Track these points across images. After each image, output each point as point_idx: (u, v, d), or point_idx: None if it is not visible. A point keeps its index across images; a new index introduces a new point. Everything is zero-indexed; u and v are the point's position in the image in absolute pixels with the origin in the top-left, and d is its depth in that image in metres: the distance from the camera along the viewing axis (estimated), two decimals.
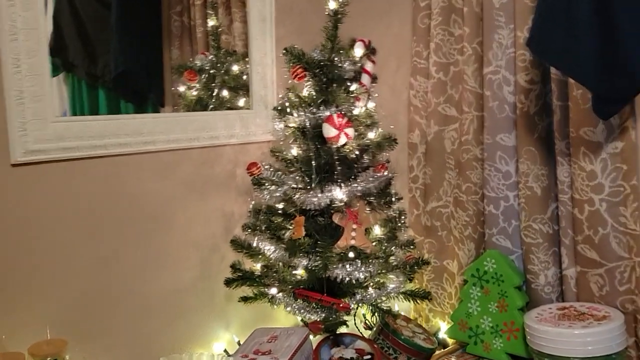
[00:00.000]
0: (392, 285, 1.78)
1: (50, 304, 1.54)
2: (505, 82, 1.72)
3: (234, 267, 1.82)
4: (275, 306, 1.78)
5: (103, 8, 1.80)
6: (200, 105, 2.03)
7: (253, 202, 1.81)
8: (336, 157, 1.67)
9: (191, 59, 2.05)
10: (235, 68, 2.09)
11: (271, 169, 1.75)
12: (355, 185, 1.69)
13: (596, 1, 1.20)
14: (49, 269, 1.54)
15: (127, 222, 1.69)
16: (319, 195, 1.66)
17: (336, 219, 1.71)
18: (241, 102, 2.09)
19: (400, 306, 2.02)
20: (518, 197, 1.76)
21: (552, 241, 1.72)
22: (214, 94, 2.07)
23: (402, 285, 1.80)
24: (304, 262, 1.69)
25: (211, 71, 2.06)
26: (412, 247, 1.89)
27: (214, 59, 2.06)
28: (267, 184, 1.72)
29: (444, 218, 1.96)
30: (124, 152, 1.63)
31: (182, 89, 2.02)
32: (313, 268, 1.67)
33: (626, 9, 1.19)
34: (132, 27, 1.88)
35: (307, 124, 1.70)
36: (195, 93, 2.05)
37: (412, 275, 1.83)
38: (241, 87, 2.09)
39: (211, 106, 2.03)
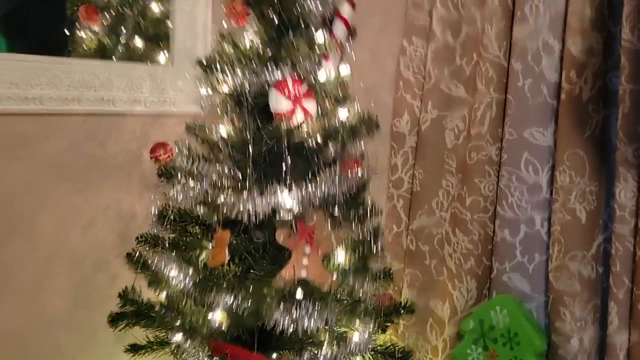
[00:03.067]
0: (356, 338, 1.21)
1: None
2: (546, 50, 1.18)
3: (124, 296, 1.22)
4: None
5: None
6: (101, 56, 1.44)
7: (157, 202, 1.21)
8: (287, 144, 1.08)
9: None
10: (155, 9, 1.48)
11: (188, 155, 1.16)
12: (314, 188, 1.11)
13: None
14: None
15: None
16: (257, 199, 1.09)
17: (280, 237, 1.13)
18: (162, 58, 1.49)
19: None
20: (550, 221, 1.22)
21: (594, 290, 1.20)
22: (123, 43, 1.47)
23: (372, 338, 1.24)
24: (227, 299, 1.11)
25: (119, 8, 1.45)
26: (388, 280, 1.33)
27: None
28: (179, 177, 1.13)
29: (436, 241, 1.42)
30: None
31: (84, 34, 1.43)
32: (240, 311, 1.09)
33: None
34: None
35: (247, 89, 1.11)
36: (96, 39, 1.45)
37: (386, 325, 1.27)
38: (164, 37, 1.50)
39: (115, 59, 1.42)
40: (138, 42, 1.48)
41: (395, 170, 1.47)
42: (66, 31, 1.40)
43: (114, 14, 1.46)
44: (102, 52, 1.43)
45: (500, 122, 1.27)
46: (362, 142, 1.26)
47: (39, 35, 1.42)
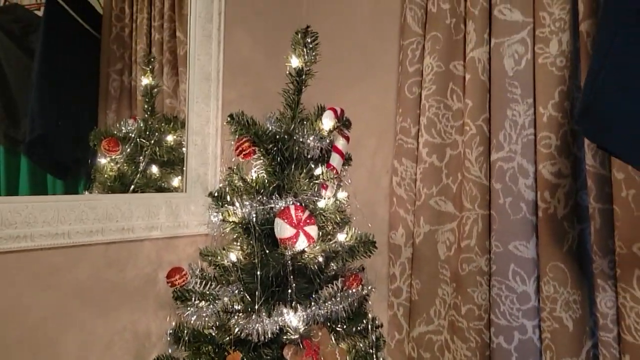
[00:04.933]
0: None
1: None
2: (521, 172, 1.29)
3: None
4: None
5: (28, 58, 1.45)
6: (121, 183, 1.57)
7: (172, 322, 1.29)
8: (292, 268, 1.18)
9: (117, 125, 1.61)
10: (170, 138, 1.64)
11: (201, 277, 1.26)
12: (317, 307, 1.20)
13: None
14: None
15: None
16: (265, 320, 1.18)
17: (288, 354, 1.20)
18: (176, 181, 1.63)
19: None
20: (540, 329, 1.28)
21: None
22: (140, 170, 1.61)
23: None
24: None
25: (137, 139, 1.60)
26: None
27: (142, 125, 1.60)
28: (193, 299, 1.22)
29: (436, 348, 1.47)
30: None
31: (104, 161, 1.57)
32: None
33: None
34: (58, 83, 1.54)
35: (254, 219, 1.22)
36: (116, 168, 1.59)
37: None
38: (177, 162, 1.64)
39: (133, 186, 1.56)
40: (154, 169, 1.62)
41: (394, 279, 1.56)
42: (87, 165, 1.54)
43: (132, 144, 1.61)
44: (121, 180, 1.57)
45: (487, 235, 1.37)
46: (362, 259, 1.36)
47: (63, 161, 1.56)
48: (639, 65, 0.80)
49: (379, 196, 1.63)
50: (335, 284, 1.27)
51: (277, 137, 1.25)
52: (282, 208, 1.22)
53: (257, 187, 1.26)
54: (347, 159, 1.38)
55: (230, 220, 1.24)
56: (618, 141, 0.83)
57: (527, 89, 1.28)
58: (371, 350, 1.28)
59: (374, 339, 1.33)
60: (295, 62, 1.27)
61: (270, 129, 1.27)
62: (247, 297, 1.21)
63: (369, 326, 1.30)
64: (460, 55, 1.42)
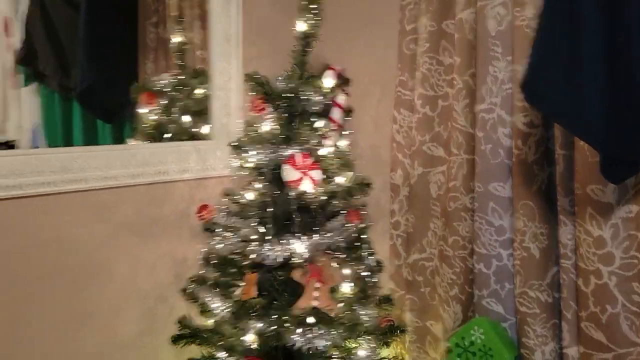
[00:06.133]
0: (362, 353, 1.52)
1: None
2: (500, 122, 1.46)
3: (182, 322, 1.57)
4: None
5: (75, 13, 1.61)
6: (159, 131, 1.80)
7: (204, 250, 1.56)
8: (296, 205, 1.42)
9: (154, 79, 1.82)
10: (199, 91, 1.86)
11: (226, 212, 1.52)
12: (319, 238, 1.44)
13: (608, 39, 0.93)
14: None
15: (51, 273, 1.45)
16: (276, 248, 1.42)
17: (296, 275, 1.46)
18: (206, 129, 1.86)
19: None
20: (513, 257, 1.49)
21: (552, 312, 1.46)
22: (174, 120, 1.84)
23: (375, 353, 1.54)
24: (258, 325, 1.44)
25: (171, 93, 1.83)
26: (390, 304, 1.64)
27: (174, 80, 1.82)
28: (219, 231, 1.47)
29: (428, 273, 1.70)
30: (46, 191, 1.39)
31: (143, 111, 1.80)
32: (266, 334, 1.42)
33: None
34: (102, 36, 1.70)
35: (266, 164, 1.45)
36: (154, 118, 1.82)
37: (387, 341, 1.57)
38: (206, 112, 1.87)
39: (169, 134, 1.80)
40: (187, 118, 1.85)
41: (394, 214, 1.78)
42: (131, 110, 1.76)
43: (167, 97, 1.83)
44: (159, 128, 1.81)
45: (471, 177, 1.55)
46: (363, 197, 1.58)
47: (110, 108, 1.71)
48: (567, 47, 0.96)
49: (383, 141, 1.83)
50: (336, 220, 1.50)
51: (285, 95, 1.46)
52: (290, 155, 1.44)
53: (268, 137, 1.48)
54: (347, 112, 1.58)
55: (247, 166, 1.48)
56: (550, 107, 1.01)
57: (507, 48, 1.43)
58: (363, 274, 1.52)
59: (372, 264, 1.57)
60: (301, 25, 1.45)
61: (279, 87, 1.47)
62: (262, 229, 1.46)
63: (364, 254, 1.54)
64: (451, 15, 1.56)
